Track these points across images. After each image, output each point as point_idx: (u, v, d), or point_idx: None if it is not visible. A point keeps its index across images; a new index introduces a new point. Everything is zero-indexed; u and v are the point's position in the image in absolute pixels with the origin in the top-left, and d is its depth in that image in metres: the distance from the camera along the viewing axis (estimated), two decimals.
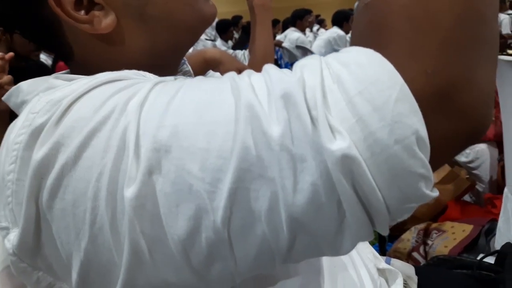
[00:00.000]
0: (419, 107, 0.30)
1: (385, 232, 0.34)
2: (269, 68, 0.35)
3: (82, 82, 0.39)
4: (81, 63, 0.52)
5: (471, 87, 0.32)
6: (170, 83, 0.38)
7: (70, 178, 0.35)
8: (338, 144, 0.30)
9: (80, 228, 0.35)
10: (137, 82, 0.39)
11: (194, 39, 0.56)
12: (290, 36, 5.69)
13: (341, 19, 5.33)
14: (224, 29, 5.98)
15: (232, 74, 0.36)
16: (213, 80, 0.37)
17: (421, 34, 0.32)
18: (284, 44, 5.67)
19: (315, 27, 7.52)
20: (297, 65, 0.34)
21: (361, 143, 0.30)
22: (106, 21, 0.48)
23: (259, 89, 0.33)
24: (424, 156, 0.31)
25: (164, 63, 0.52)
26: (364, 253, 0.64)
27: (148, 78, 0.42)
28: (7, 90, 0.48)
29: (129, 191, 0.33)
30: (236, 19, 7.01)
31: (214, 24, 6.05)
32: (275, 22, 7.01)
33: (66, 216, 0.36)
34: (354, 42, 0.35)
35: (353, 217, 0.32)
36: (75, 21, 0.47)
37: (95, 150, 0.35)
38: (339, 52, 0.34)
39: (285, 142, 0.31)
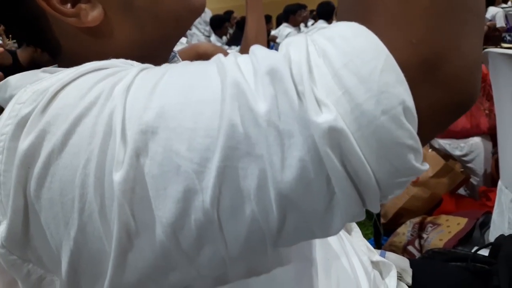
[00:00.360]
0: (405, 78, 0.30)
1: (376, 210, 0.34)
2: (255, 48, 0.35)
3: (69, 71, 0.39)
4: (69, 57, 0.51)
5: (456, 56, 0.32)
6: (156, 68, 0.38)
7: (56, 166, 0.35)
8: (324, 117, 0.30)
9: (68, 217, 0.35)
10: (123, 69, 0.38)
11: (183, 30, 0.56)
12: (282, 32, 5.65)
13: (328, 12, 4.96)
14: (218, 25, 5.96)
15: (218, 56, 0.36)
16: (199, 63, 0.37)
17: (404, 4, 0.31)
18: (277, 40, 5.65)
19: (310, 22, 7.50)
20: (283, 43, 0.34)
21: (348, 115, 0.30)
22: (93, 14, 0.47)
23: (245, 67, 0.33)
24: (411, 127, 0.30)
25: (153, 54, 0.52)
26: (357, 246, 0.64)
27: (135, 66, 0.42)
28: None
29: (118, 175, 0.33)
30: (228, 14, 6.99)
31: (208, 20, 6.04)
32: (267, 18, 6.98)
33: (54, 205, 0.35)
34: (340, 18, 0.35)
35: (343, 193, 0.31)
36: (61, 15, 0.47)
37: (81, 137, 0.35)
38: (325, 28, 0.34)
39: (272, 118, 0.31)
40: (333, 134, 0.30)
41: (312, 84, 0.30)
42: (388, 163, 0.31)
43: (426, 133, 0.32)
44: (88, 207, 0.34)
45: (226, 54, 0.36)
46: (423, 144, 0.32)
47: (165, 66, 0.38)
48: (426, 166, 0.32)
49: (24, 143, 0.36)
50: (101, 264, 0.36)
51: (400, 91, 0.30)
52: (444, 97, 0.32)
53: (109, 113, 0.34)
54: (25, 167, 0.36)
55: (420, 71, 0.31)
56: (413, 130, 0.31)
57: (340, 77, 0.30)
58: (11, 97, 0.43)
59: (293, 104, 0.30)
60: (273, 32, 6.01)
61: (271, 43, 5.61)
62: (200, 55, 1.14)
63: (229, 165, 0.32)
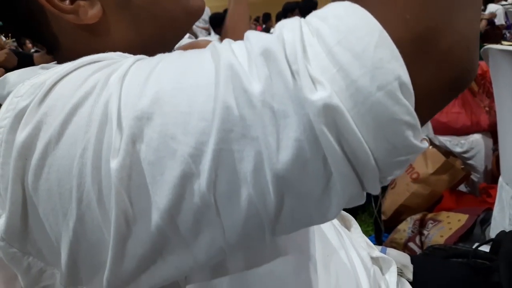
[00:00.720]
0: (400, 54, 0.30)
1: (376, 191, 0.33)
2: (249, 34, 0.35)
3: (65, 65, 0.39)
4: (67, 55, 0.51)
5: (451, 32, 0.31)
6: (151, 58, 0.38)
7: (54, 156, 0.35)
8: (319, 94, 0.29)
9: (67, 207, 0.35)
10: (118, 61, 0.38)
11: (181, 31, 0.55)
12: None
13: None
14: (218, 23, 5.92)
15: (213, 43, 0.36)
16: (194, 51, 0.37)
17: None
18: None
19: None
20: (276, 26, 0.34)
21: (344, 92, 0.29)
22: (91, 11, 0.47)
23: (239, 52, 0.33)
24: (408, 103, 0.30)
25: (151, 55, 0.52)
26: (357, 242, 0.64)
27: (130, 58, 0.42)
28: None
29: (114, 163, 0.33)
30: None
31: (207, 18, 6.03)
32: (267, 16, 6.98)
33: (52, 196, 0.35)
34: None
35: (340, 174, 0.31)
36: (60, 12, 0.47)
37: (77, 126, 0.35)
38: (318, 10, 0.34)
39: (266, 99, 0.31)
40: (328, 111, 0.29)
41: (306, 62, 0.30)
42: (386, 141, 0.30)
43: (423, 111, 0.32)
44: (86, 197, 0.34)
45: None
46: (422, 123, 0.32)
47: (159, 55, 0.38)
48: (425, 144, 0.32)
49: (22, 135, 0.36)
50: (101, 254, 0.36)
51: (395, 67, 0.29)
52: (440, 73, 0.32)
53: (104, 102, 0.34)
54: (23, 158, 0.36)
55: (414, 47, 0.31)
56: (410, 106, 0.30)
57: (334, 54, 0.30)
58: (9, 94, 0.43)
59: (287, 84, 0.30)
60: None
61: None
62: None
63: (225, 148, 0.32)
